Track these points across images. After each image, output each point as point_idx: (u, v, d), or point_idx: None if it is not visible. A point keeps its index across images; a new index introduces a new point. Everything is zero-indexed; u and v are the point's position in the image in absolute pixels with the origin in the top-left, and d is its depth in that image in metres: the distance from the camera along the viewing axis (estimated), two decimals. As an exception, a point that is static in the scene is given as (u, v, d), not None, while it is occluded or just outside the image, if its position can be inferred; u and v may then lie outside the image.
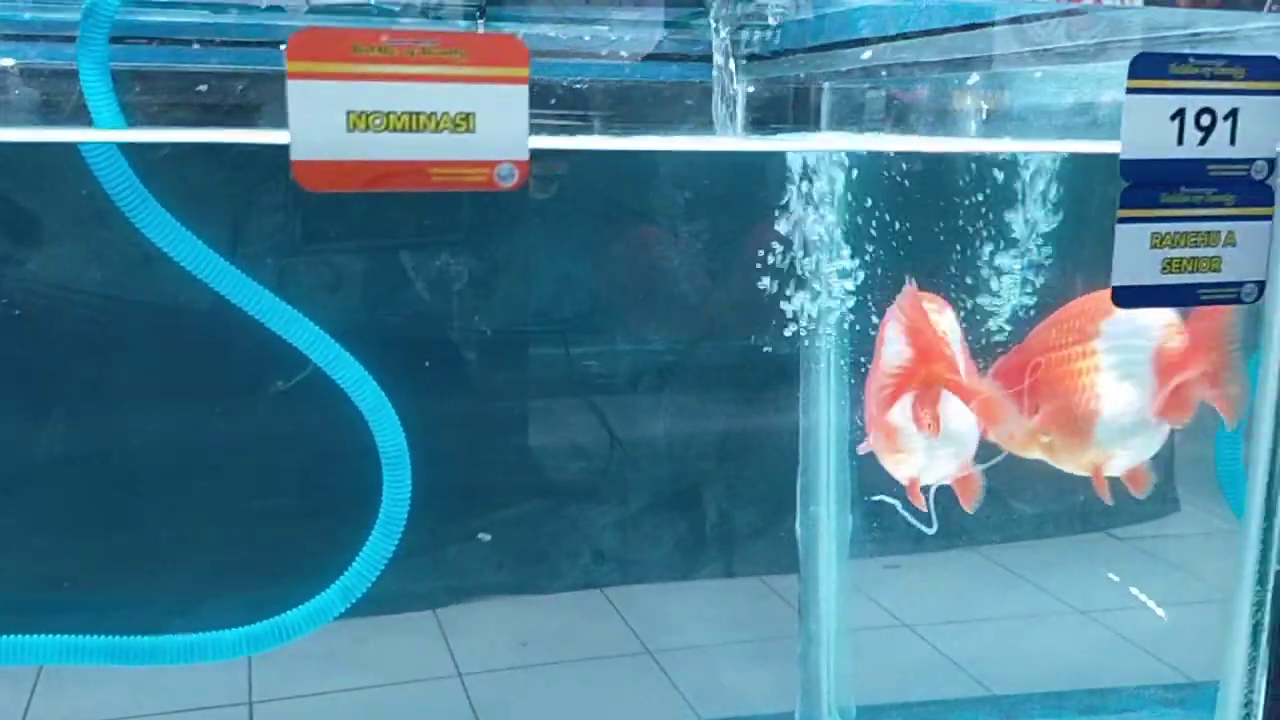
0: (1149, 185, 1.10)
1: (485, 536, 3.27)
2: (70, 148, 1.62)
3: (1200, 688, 2.38)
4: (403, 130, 0.93)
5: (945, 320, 1.46)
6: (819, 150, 1.84)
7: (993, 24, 1.43)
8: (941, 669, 2.87)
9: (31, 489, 2.80)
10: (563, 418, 3.26)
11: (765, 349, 2.27)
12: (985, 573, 3.54)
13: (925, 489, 1.52)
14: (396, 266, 2.87)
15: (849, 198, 1.89)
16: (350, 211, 2.74)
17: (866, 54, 1.99)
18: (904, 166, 1.88)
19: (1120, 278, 1.11)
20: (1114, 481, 2.69)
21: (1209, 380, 1.42)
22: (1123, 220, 1.10)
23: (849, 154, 1.89)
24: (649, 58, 2.06)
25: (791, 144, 1.88)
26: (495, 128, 0.94)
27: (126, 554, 2.76)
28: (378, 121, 0.92)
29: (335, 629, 2.73)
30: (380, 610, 3.01)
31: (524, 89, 0.94)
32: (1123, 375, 1.43)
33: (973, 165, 1.84)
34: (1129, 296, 1.11)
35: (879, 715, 2.03)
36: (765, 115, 2.08)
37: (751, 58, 2.05)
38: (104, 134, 1.40)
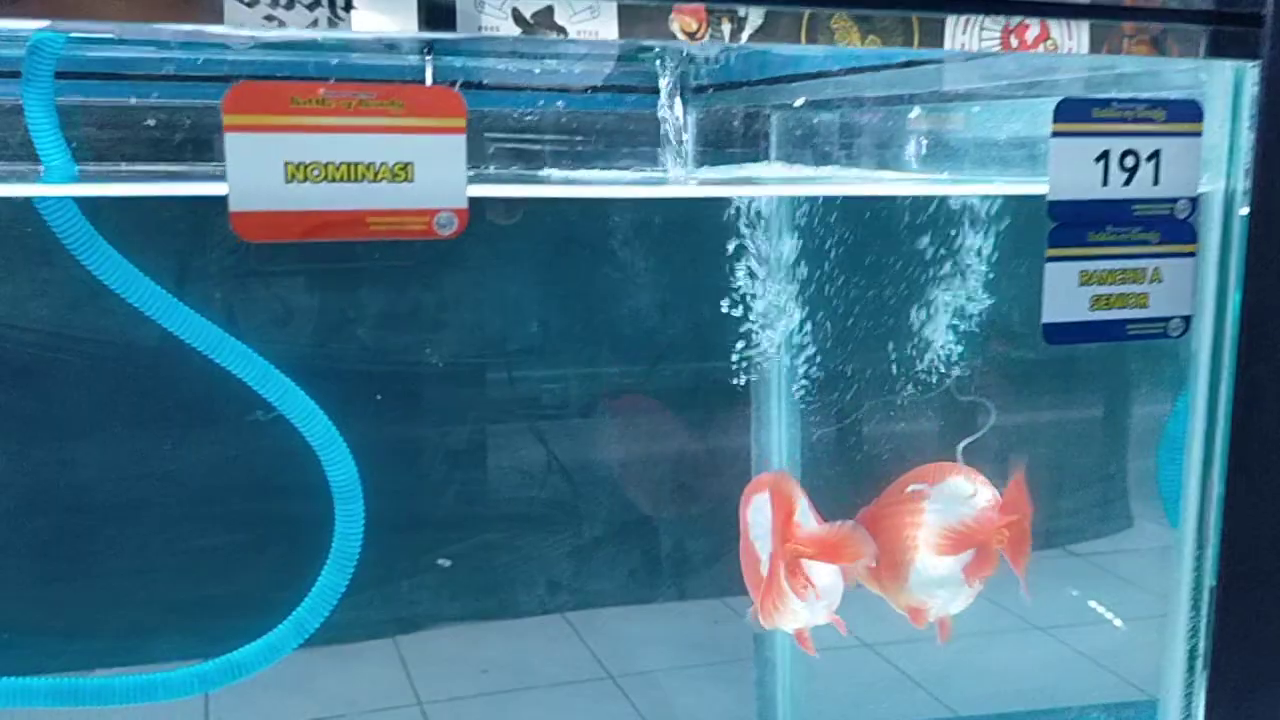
0: (1076, 225, 1.13)
1: (445, 562, 3.26)
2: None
3: (1143, 705, 2.42)
4: (341, 180, 0.93)
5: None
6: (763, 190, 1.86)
7: (933, 61, 1.46)
8: (901, 687, 2.88)
9: None
10: (514, 446, 3.27)
11: (718, 375, 2.29)
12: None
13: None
14: (346, 299, 2.87)
15: (797, 224, 1.92)
16: (298, 246, 2.74)
17: (799, 100, 2.03)
18: (843, 208, 1.91)
19: (1050, 314, 1.14)
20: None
21: (1009, 545, 1.62)
22: (1051, 259, 1.13)
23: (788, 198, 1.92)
24: (599, 89, 2.08)
25: (728, 190, 1.91)
26: (434, 177, 0.95)
27: (72, 591, 2.73)
28: (316, 172, 0.92)
29: (293, 659, 2.71)
30: (338, 640, 3.00)
31: (461, 139, 0.95)
32: (937, 535, 1.60)
33: (914, 198, 1.88)
34: (1059, 333, 1.14)
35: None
36: (714, 142, 2.11)
37: (699, 89, 2.08)
38: (43, 189, 1.40)
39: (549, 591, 3.35)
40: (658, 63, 1.97)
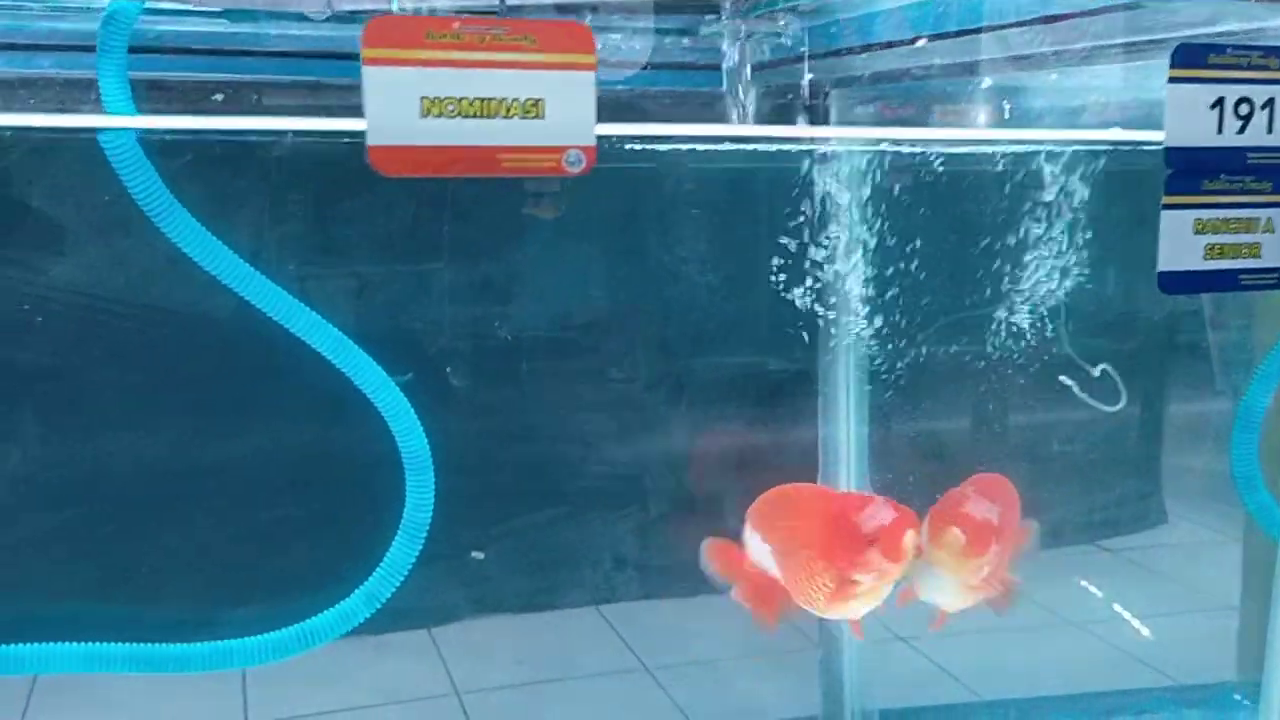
0: (1191, 172, 1.12)
1: (479, 554, 3.25)
2: (93, 155, 1.61)
3: (1216, 688, 2.41)
4: (475, 116, 0.94)
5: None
6: (833, 149, 1.86)
7: (1014, 25, 1.45)
8: (938, 680, 2.88)
9: (47, 498, 2.77)
10: (568, 429, 3.27)
11: (783, 358, 2.28)
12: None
13: None
14: (418, 274, 2.88)
15: (864, 204, 1.92)
16: (368, 217, 2.75)
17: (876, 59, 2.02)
18: (919, 173, 1.90)
19: (1165, 263, 1.13)
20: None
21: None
22: (1167, 207, 1.12)
23: (864, 159, 1.91)
24: (659, 66, 2.08)
25: (830, 132, 1.90)
26: (563, 114, 0.95)
27: (145, 561, 2.74)
28: (450, 107, 0.93)
29: (328, 649, 2.71)
30: (373, 630, 3.00)
31: (591, 76, 0.95)
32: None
33: (990, 168, 1.87)
34: (1174, 282, 1.14)
35: (903, 719, 2.03)
36: (775, 122, 2.10)
37: (760, 65, 2.07)
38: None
39: (606, 573, 3.35)
40: (721, 38, 1.97)
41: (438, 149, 0.93)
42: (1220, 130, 1.13)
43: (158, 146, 1.65)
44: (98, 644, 1.66)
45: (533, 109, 0.95)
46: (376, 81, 0.91)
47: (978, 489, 1.65)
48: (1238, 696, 2.28)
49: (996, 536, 1.58)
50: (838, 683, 1.99)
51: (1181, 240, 1.13)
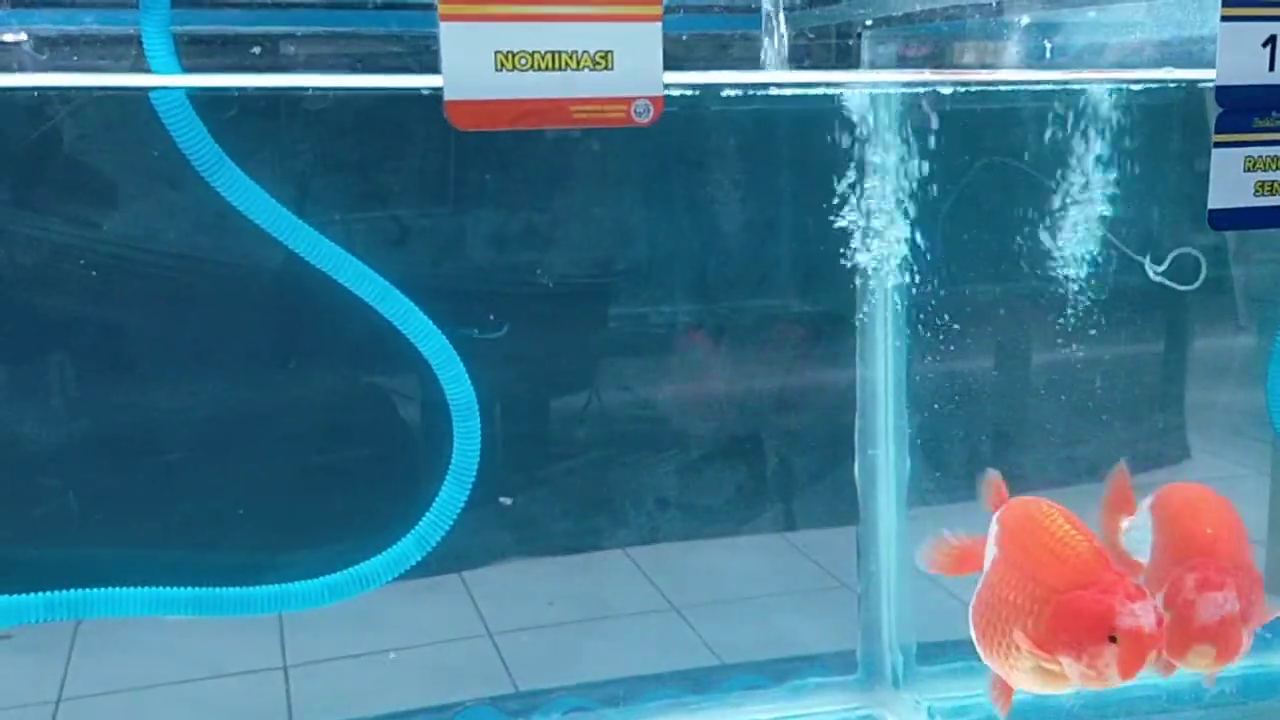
0: (1243, 110, 1.13)
1: (507, 500, 3.28)
2: (143, 110, 1.63)
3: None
4: (546, 69, 0.96)
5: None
6: (872, 92, 1.86)
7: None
8: (958, 613, 2.91)
9: (103, 450, 2.79)
10: (607, 373, 3.27)
11: (822, 302, 2.29)
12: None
13: None
14: (459, 223, 2.88)
15: (902, 148, 1.92)
16: (412, 169, 2.75)
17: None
18: (959, 118, 1.90)
19: (1216, 200, 1.15)
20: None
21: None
22: (1218, 145, 1.14)
23: (901, 103, 1.92)
24: (691, 9, 2.08)
25: (870, 76, 1.90)
26: (632, 65, 0.97)
27: (197, 508, 2.76)
28: (523, 61, 0.94)
29: (363, 595, 2.74)
30: (406, 575, 3.04)
31: (658, 26, 0.97)
32: None
33: (1029, 111, 1.87)
34: (1224, 219, 1.15)
35: (941, 651, 2.07)
36: (808, 65, 2.10)
37: (792, 7, 2.07)
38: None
39: (652, 512, 3.38)
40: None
41: (511, 102, 0.95)
42: (1272, 68, 1.14)
43: (204, 101, 1.67)
44: (163, 588, 1.71)
45: (602, 61, 0.96)
46: (453, 37, 0.93)
47: (1212, 566, 1.40)
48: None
49: (1244, 628, 1.37)
50: (877, 616, 2.03)
51: (1232, 178, 1.14)
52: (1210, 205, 1.16)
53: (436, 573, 3.13)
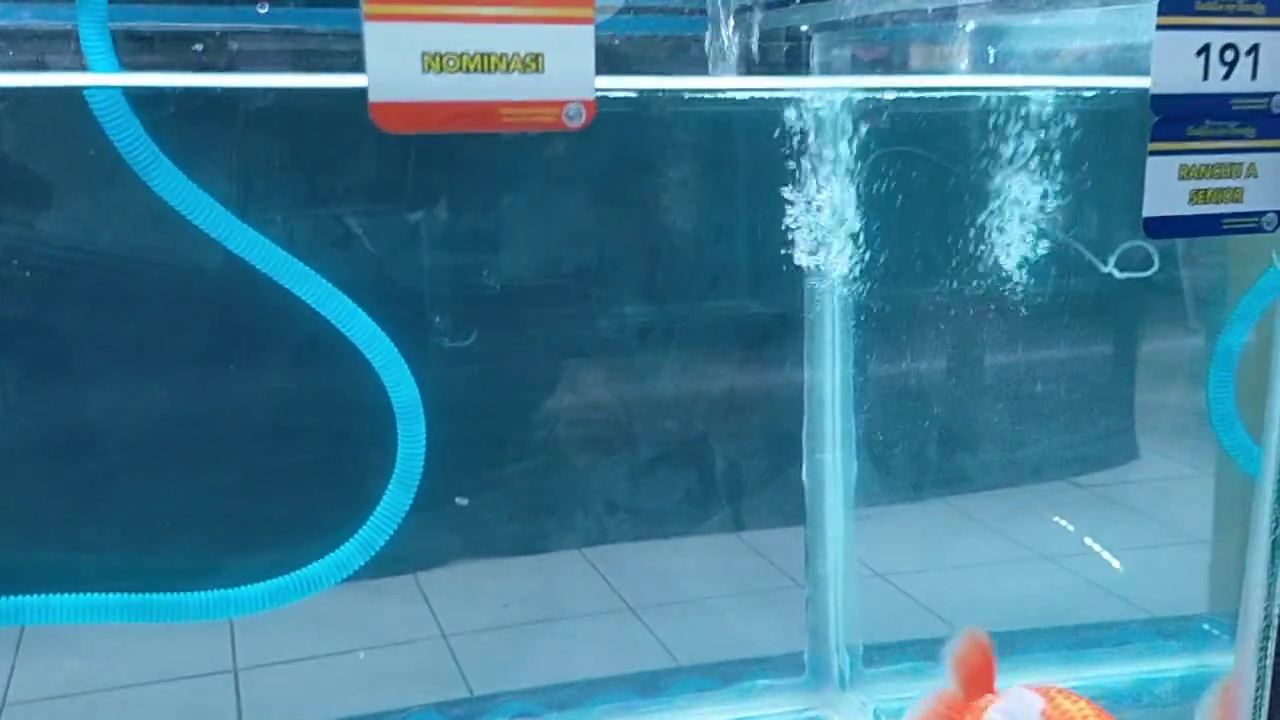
0: (1177, 119, 1.14)
1: (463, 500, 3.26)
2: (78, 107, 1.60)
3: (1191, 620, 2.48)
4: (475, 71, 0.94)
5: None
6: (818, 93, 1.87)
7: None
8: (915, 615, 2.93)
9: (39, 450, 2.75)
10: (557, 376, 3.27)
11: (770, 303, 2.29)
12: (952, 522, 3.61)
13: None
14: (404, 223, 2.86)
15: (849, 150, 1.93)
16: (351, 166, 2.73)
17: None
18: (903, 119, 1.91)
19: (1151, 208, 1.16)
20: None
21: None
22: (1153, 153, 1.14)
23: (846, 105, 1.92)
24: (639, 10, 2.07)
25: (817, 83, 1.90)
26: (563, 68, 0.96)
27: (136, 512, 2.73)
28: (451, 62, 0.93)
29: (316, 595, 2.72)
30: (360, 577, 3.02)
31: (590, 29, 0.96)
32: None
33: (977, 114, 1.88)
34: (1159, 227, 1.16)
35: (887, 653, 2.09)
36: (758, 64, 2.10)
37: (741, 10, 2.07)
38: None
39: (599, 515, 3.37)
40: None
41: (439, 105, 0.94)
42: (1206, 77, 1.15)
43: (141, 99, 1.64)
44: (95, 594, 1.68)
45: (532, 63, 0.95)
46: (379, 37, 0.91)
47: None
48: (1206, 627, 2.35)
49: None
50: (824, 618, 2.04)
51: (1166, 186, 1.15)
52: (1145, 213, 1.16)
53: (391, 574, 3.12)
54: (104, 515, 2.74)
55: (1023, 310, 3.17)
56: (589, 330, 3.20)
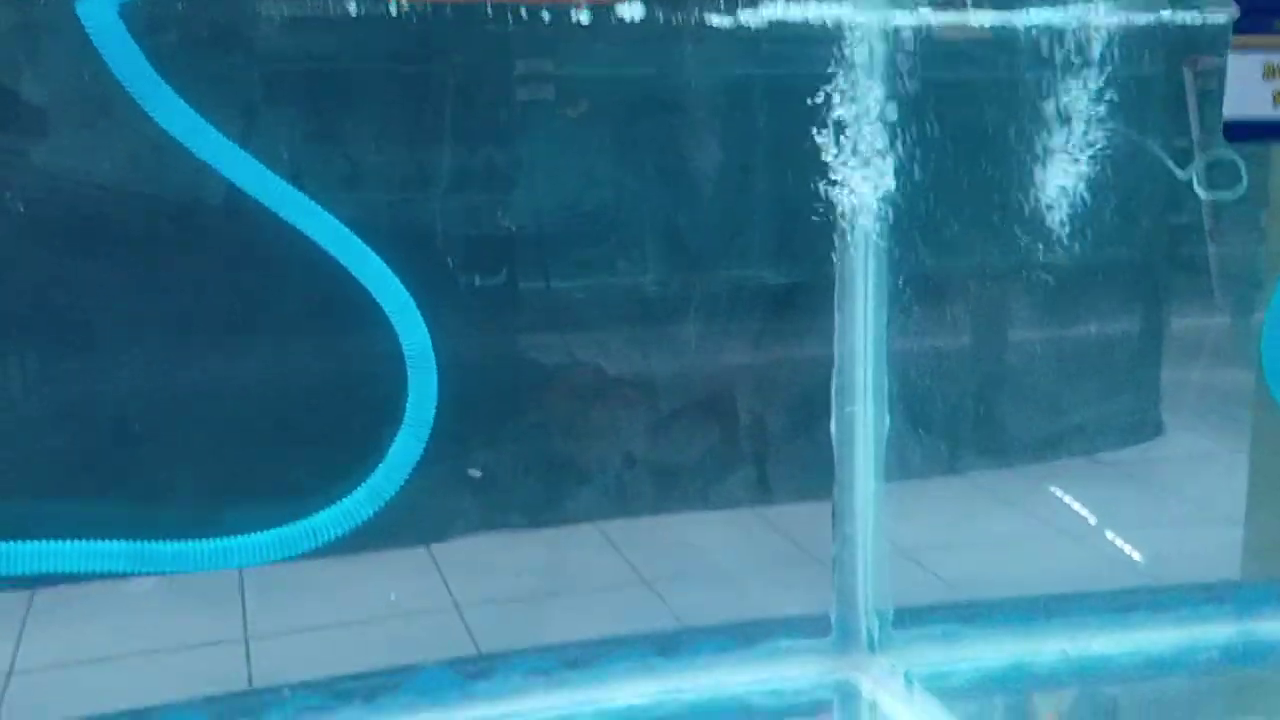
0: (1262, 11, 1.05)
1: (476, 472, 3.23)
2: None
3: (1239, 585, 2.41)
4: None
5: None
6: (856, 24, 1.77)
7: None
8: (935, 591, 2.87)
9: (45, 398, 2.71)
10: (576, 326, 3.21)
11: (799, 257, 2.21)
12: (972, 498, 3.57)
13: None
14: (416, 161, 2.79)
15: (888, 85, 1.83)
16: (369, 101, 2.66)
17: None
18: (945, 50, 1.82)
19: (1231, 110, 1.07)
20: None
21: None
22: (1236, 50, 1.06)
23: (886, 34, 1.83)
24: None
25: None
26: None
27: (142, 459, 2.69)
28: None
29: (328, 565, 2.67)
30: (371, 547, 2.98)
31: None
32: None
33: (1015, 46, 1.79)
34: (1240, 131, 1.07)
35: (919, 617, 2.01)
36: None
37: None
38: None
39: (614, 478, 3.32)
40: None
41: None
42: (1294, -35, 1.06)
43: (142, 23, 1.56)
44: (97, 541, 1.61)
45: None
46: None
47: None
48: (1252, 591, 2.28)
49: None
50: (852, 579, 1.96)
51: (1249, 85, 1.06)
52: (1225, 115, 1.08)
53: (403, 545, 3.09)
54: (108, 464, 2.70)
55: (1054, 281, 3.11)
56: (611, 276, 3.14)
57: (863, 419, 1.93)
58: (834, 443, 1.95)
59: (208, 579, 2.84)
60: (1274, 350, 1.75)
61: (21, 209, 2.34)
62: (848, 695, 1.96)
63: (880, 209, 1.88)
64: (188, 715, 1.71)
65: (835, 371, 1.93)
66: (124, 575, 2.67)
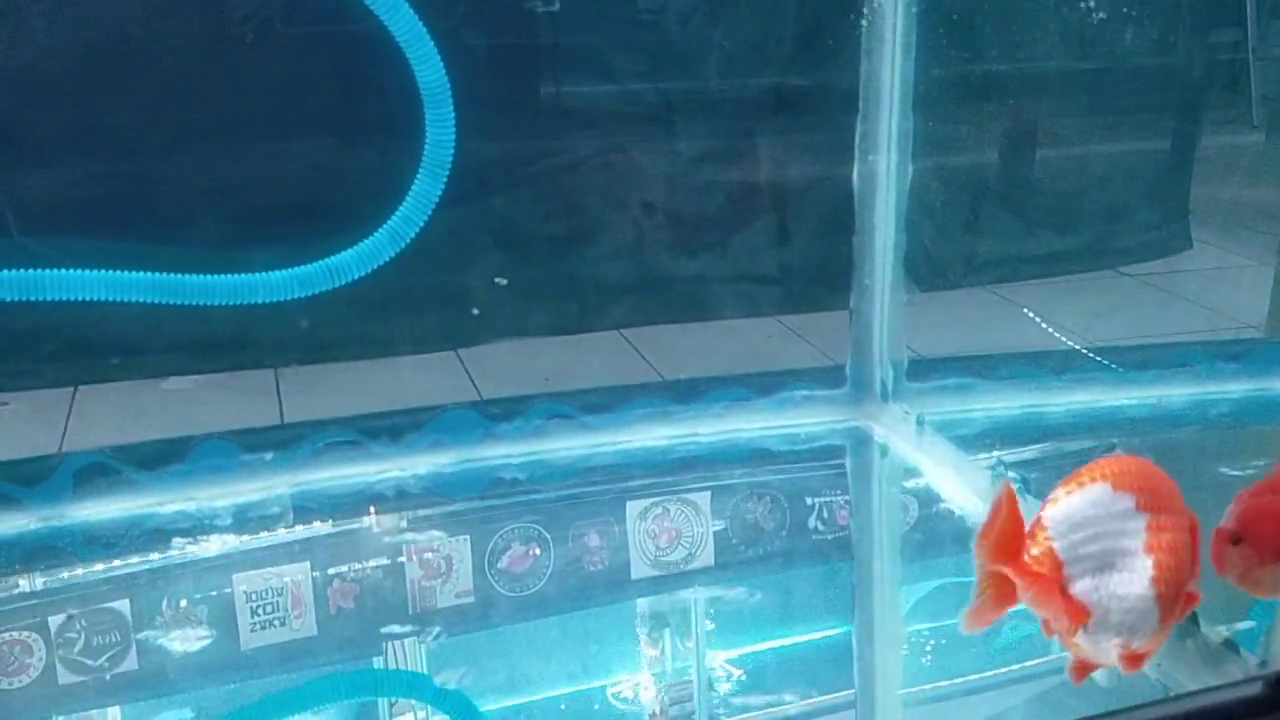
0: None
1: (502, 281, 3.22)
2: None
3: (1254, 343, 2.40)
4: None
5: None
6: None
7: None
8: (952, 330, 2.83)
9: (69, 132, 2.63)
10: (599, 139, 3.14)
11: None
12: (995, 309, 3.54)
13: None
14: None
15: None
16: None
17: None
18: None
19: None
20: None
21: None
22: None
23: None
24: None
25: None
26: None
27: (163, 196, 2.63)
28: None
29: (367, 370, 2.64)
30: (408, 351, 2.98)
31: None
32: None
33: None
34: None
35: (933, 369, 2.02)
36: None
37: None
38: None
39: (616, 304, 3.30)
40: None
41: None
42: None
43: None
44: (121, 272, 1.63)
45: None
46: None
47: None
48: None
49: None
50: (868, 331, 1.97)
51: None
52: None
53: (434, 350, 3.09)
54: (127, 193, 2.64)
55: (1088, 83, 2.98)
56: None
57: (885, 167, 1.91)
58: (855, 193, 1.93)
59: (245, 379, 2.86)
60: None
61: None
62: (860, 440, 1.99)
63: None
64: (221, 445, 1.76)
65: (859, 118, 1.89)
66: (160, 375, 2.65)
